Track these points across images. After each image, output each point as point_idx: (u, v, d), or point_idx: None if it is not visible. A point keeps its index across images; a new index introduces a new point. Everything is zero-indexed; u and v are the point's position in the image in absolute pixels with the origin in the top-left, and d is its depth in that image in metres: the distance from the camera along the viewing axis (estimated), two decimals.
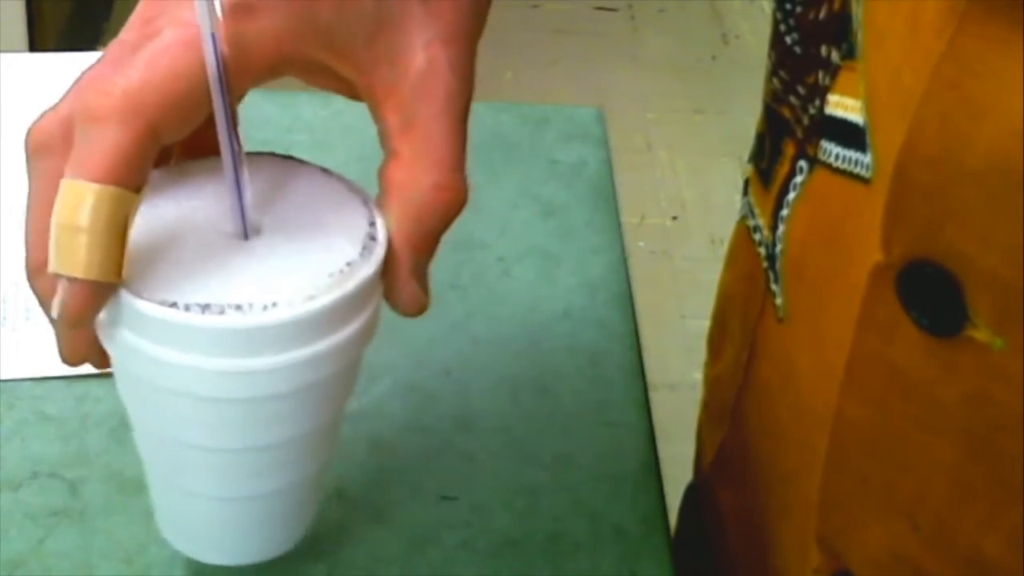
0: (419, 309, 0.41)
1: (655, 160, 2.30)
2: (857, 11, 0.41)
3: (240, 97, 0.42)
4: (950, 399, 0.39)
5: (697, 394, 0.62)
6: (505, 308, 0.60)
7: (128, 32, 0.39)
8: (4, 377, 0.55)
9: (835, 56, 0.43)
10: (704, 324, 0.60)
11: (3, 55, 0.72)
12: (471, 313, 0.60)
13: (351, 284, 0.39)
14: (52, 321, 0.39)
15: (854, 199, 0.42)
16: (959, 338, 0.38)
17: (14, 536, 0.49)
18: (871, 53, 0.40)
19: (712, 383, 0.59)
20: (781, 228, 0.47)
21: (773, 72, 0.49)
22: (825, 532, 0.45)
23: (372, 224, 0.40)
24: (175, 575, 0.48)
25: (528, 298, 0.61)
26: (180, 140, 0.39)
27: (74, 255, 0.36)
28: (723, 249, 0.57)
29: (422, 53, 0.40)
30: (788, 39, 0.47)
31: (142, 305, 0.37)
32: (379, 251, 0.40)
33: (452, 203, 0.40)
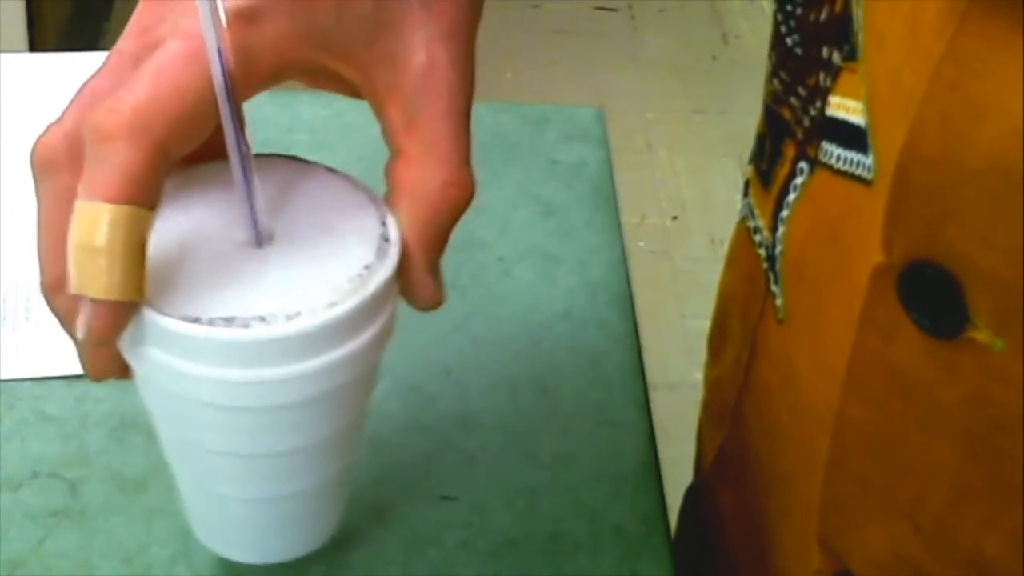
0: (436, 304, 0.41)
1: (655, 160, 2.30)
2: (857, 12, 0.41)
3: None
4: (951, 400, 0.39)
5: (697, 394, 0.62)
6: (505, 308, 0.60)
7: (126, 41, 0.39)
8: (4, 377, 0.55)
9: (836, 57, 0.43)
10: (704, 324, 0.60)
11: (3, 55, 0.72)
12: (471, 313, 0.60)
13: (371, 288, 0.39)
14: (76, 340, 0.39)
15: (855, 200, 0.42)
16: (960, 339, 0.38)
17: (14, 536, 0.49)
18: (871, 54, 0.40)
19: (712, 384, 0.59)
20: (781, 229, 0.47)
21: (774, 73, 0.49)
22: (826, 533, 0.45)
23: (383, 224, 0.40)
24: (175, 575, 0.48)
25: (528, 298, 0.61)
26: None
27: (95, 276, 0.36)
28: (723, 249, 0.57)
29: (423, 51, 0.40)
30: (789, 40, 0.47)
31: (166, 322, 0.37)
32: (393, 252, 0.40)
33: (461, 199, 0.40)
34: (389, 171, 0.41)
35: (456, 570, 0.49)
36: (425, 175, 0.40)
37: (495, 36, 2.44)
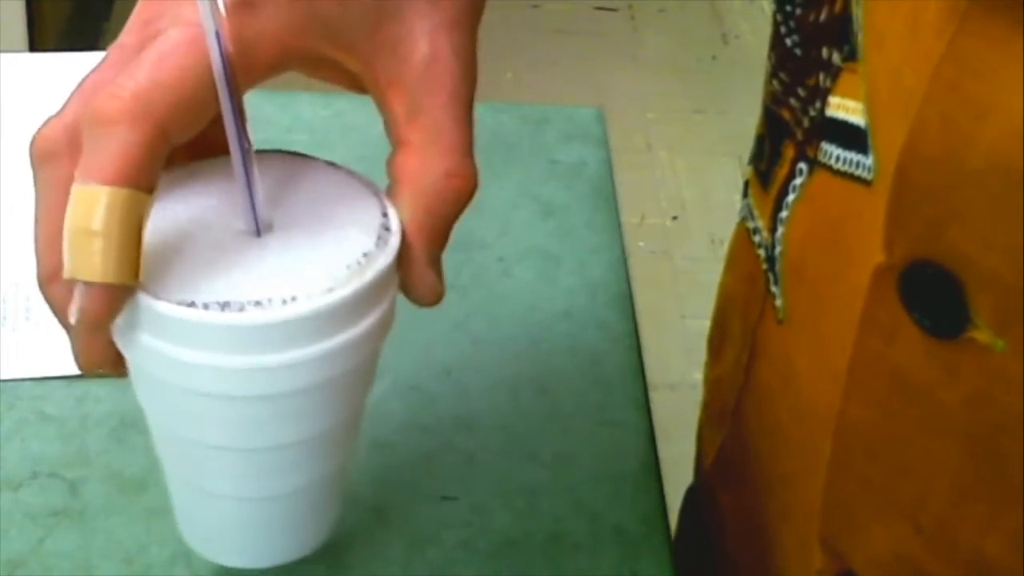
0: (436, 298, 0.41)
1: (655, 160, 2.30)
2: (857, 12, 0.41)
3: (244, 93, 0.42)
4: (951, 401, 0.39)
5: (697, 394, 0.62)
6: (505, 308, 0.60)
7: (127, 35, 0.39)
8: (4, 377, 0.55)
9: (836, 58, 0.43)
10: (704, 324, 0.60)
11: (3, 55, 0.72)
12: (471, 313, 0.60)
13: (369, 275, 0.38)
14: (68, 328, 0.39)
15: (855, 201, 0.41)
16: (961, 339, 0.38)
17: (14, 536, 0.49)
18: (871, 54, 0.40)
19: (712, 385, 0.59)
20: (780, 230, 0.47)
21: (773, 74, 0.49)
22: (828, 533, 0.45)
23: (385, 215, 0.40)
24: (175, 575, 0.48)
25: (528, 298, 0.61)
26: (188, 140, 0.39)
27: (90, 259, 0.36)
28: (723, 249, 0.57)
29: (425, 42, 0.40)
30: (788, 41, 0.47)
31: (160, 306, 0.37)
32: (394, 241, 0.40)
33: (464, 189, 0.40)
34: (391, 162, 0.40)
35: (456, 570, 0.49)
36: (427, 165, 0.40)
37: (495, 36, 2.44)
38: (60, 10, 2.16)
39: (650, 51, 2.59)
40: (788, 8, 0.47)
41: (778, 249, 0.48)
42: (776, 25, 0.48)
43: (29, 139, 0.39)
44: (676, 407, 1.13)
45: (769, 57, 0.49)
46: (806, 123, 0.45)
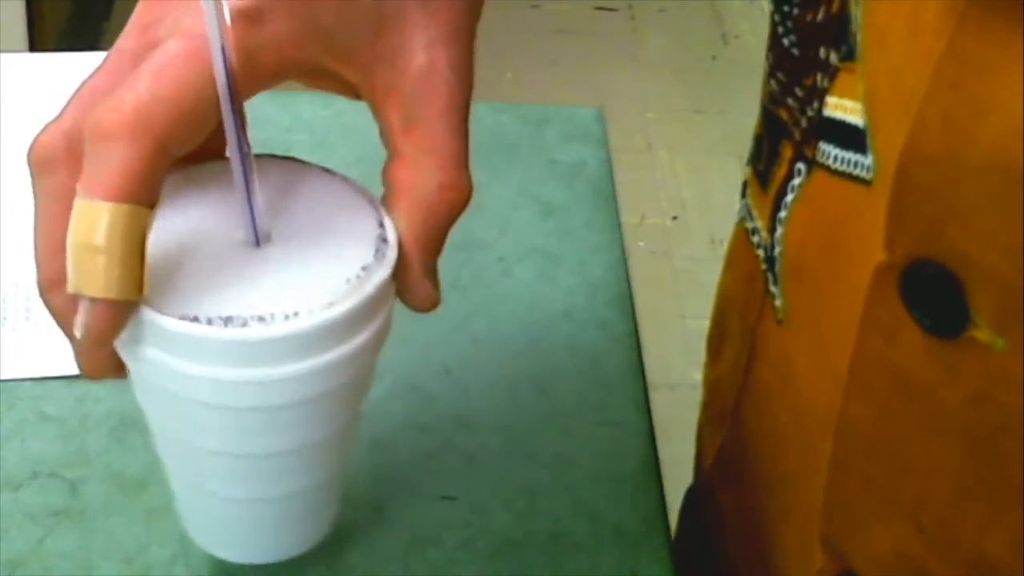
0: (432, 305, 0.41)
1: (655, 160, 2.30)
2: (856, 12, 0.41)
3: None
4: (952, 400, 0.39)
5: (697, 394, 0.62)
6: (505, 308, 0.60)
7: (126, 40, 0.39)
8: (4, 377, 0.55)
9: (833, 58, 0.43)
10: (704, 324, 0.60)
11: (3, 55, 0.72)
12: (471, 313, 0.60)
13: (368, 288, 0.39)
14: (71, 338, 0.39)
15: (853, 201, 0.42)
16: (961, 339, 0.38)
17: (14, 536, 0.49)
18: (871, 54, 0.40)
19: (711, 385, 0.59)
20: (779, 230, 0.47)
21: (771, 74, 0.49)
22: (829, 533, 0.45)
23: (381, 225, 0.40)
24: (175, 575, 0.48)
25: (528, 298, 0.61)
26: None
27: (94, 275, 0.36)
28: (723, 249, 0.57)
29: (423, 54, 0.40)
30: (786, 41, 0.47)
31: (164, 321, 0.37)
32: (391, 253, 0.40)
33: (458, 201, 0.40)
34: (386, 172, 0.41)
35: (456, 570, 0.49)
36: (422, 177, 0.40)
37: (495, 36, 2.43)
38: (60, 10, 2.16)
39: (650, 51, 2.59)
40: (786, 8, 0.47)
41: (777, 249, 0.48)
42: (774, 25, 0.48)
43: (28, 143, 0.39)
44: (676, 407, 1.12)
45: (767, 57, 0.49)
46: (804, 123, 0.45)
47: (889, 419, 0.41)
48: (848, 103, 0.42)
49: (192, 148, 0.38)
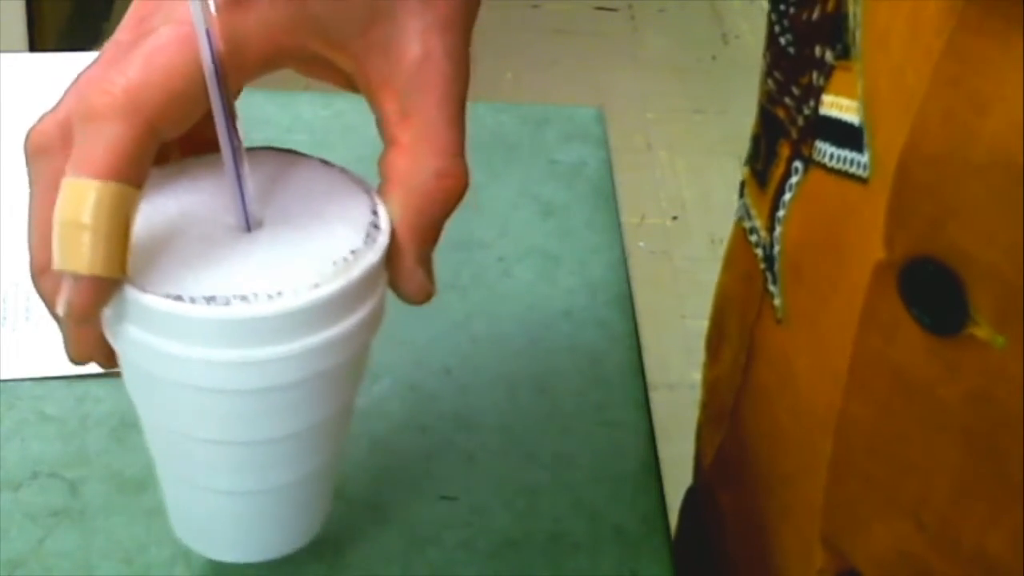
0: (425, 297, 0.41)
1: (655, 160, 2.30)
2: (856, 10, 0.41)
3: (238, 91, 0.42)
4: (952, 398, 0.39)
5: (697, 394, 0.62)
6: (505, 308, 0.60)
7: (123, 32, 0.39)
8: (4, 377, 0.55)
9: (829, 56, 0.43)
10: (704, 324, 0.60)
11: (3, 55, 0.72)
12: (471, 313, 0.60)
13: (356, 272, 0.39)
14: (58, 320, 0.39)
15: (850, 199, 0.42)
16: (960, 336, 0.38)
17: (14, 536, 0.49)
18: (872, 53, 0.40)
19: (710, 385, 0.59)
20: (778, 229, 0.47)
21: (768, 73, 0.49)
22: (830, 531, 0.45)
23: (375, 213, 0.40)
24: (175, 575, 0.48)
25: (528, 298, 0.61)
26: (181, 137, 0.40)
27: (78, 252, 0.36)
28: (723, 249, 0.57)
29: (418, 42, 0.40)
30: (782, 40, 0.47)
31: (147, 299, 0.37)
32: (383, 239, 0.40)
33: (454, 189, 0.40)
34: (382, 162, 0.41)
35: (456, 570, 0.49)
36: (418, 165, 0.40)
37: (495, 36, 2.43)
38: (60, 10, 2.16)
39: (650, 51, 2.59)
40: (782, 7, 0.47)
41: (776, 248, 0.48)
42: (771, 24, 0.48)
43: (23, 138, 0.39)
44: (676, 407, 1.13)
45: (764, 56, 0.49)
46: (800, 122, 0.45)
47: (889, 417, 0.41)
48: (844, 101, 0.42)
49: (181, 131, 0.38)
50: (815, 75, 0.44)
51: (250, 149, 0.40)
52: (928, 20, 0.36)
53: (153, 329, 0.38)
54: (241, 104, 0.39)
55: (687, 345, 1.87)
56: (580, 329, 0.60)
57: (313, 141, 0.69)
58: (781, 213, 0.47)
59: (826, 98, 0.43)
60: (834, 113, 0.43)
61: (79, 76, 0.39)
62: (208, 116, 0.38)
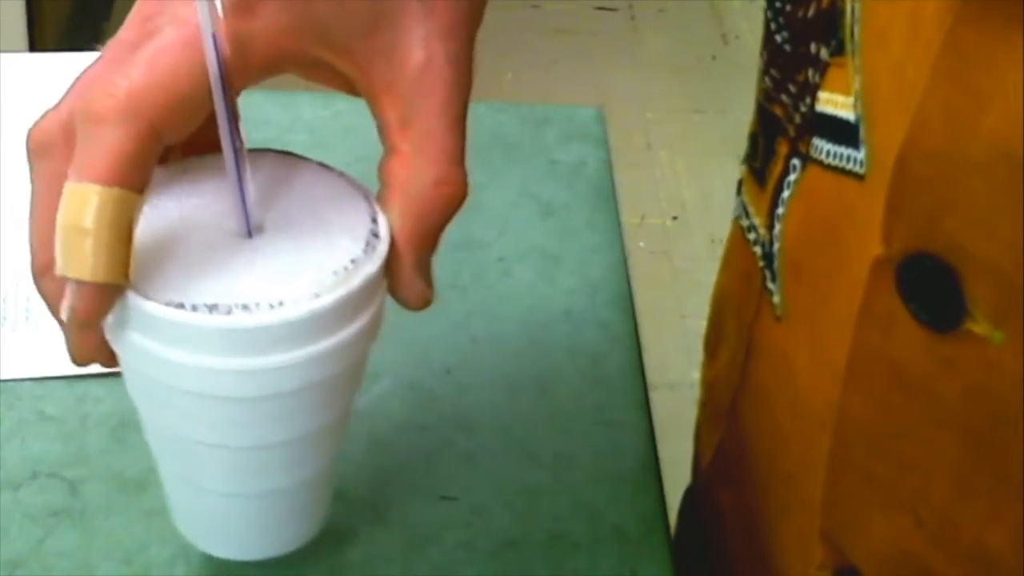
0: (424, 303, 0.41)
1: (655, 160, 2.30)
2: (854, 6, 0.41)
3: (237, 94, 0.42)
4: (950, 394, 0.39)
5: (697, 394, 0.62)
6: (505, 308, 0.60)
7: (127, 31, 0.39)
8: (4, 377, 0.55)
9: (824, 53, 0.43)
10: (704, 324, 0.60)
11: (3, 55, 0.72)
12: (471, 313, 0.60)
13: (356, 281, 0.39)
14: (61, 323, 0.39)
15: (847, 195, 0.42)
16: (958, 332, 0.38)
17: (14, 536, 0.49)
18: (871, 50, 0.40)
19: (709, 384, 0.59)
20: (778, 227, 0.47)
21: (765, 71, 0.49)
22: (829, 528, 0.45)
23: (374, 220, 0.40)
24: (175, 575, 0.48)
25: (528, 298, 0.61)
26: (180, 139, 0.40)
27: (81, 258, 0.36)
28: (723, 249, 0.57)
29: (420, 48, 0.40)
30: (778, 37, 0.47)
31: (149, 306, 0.37)
32: (382, 248, 0.40)
33: (453, 197, 0.40)
34: (382, 168, 0.41)
35: (456, 570, 0.49)
36: (417, 172, 0.40)
37: (495, 36, 2.43)
38: (60, 10, 2.16)
39: (650, 51, 2.59)
40: (777, 4, 0.47)
41: (776, 246, 0.48)
42: (767, 22, 0.48)
43: (25, 137, 0.39)
44: (676, 407, 1.12)
45: (761, 54, 0.49)
46: (797, 119, 0.45)
47: (887, 413, 0.41)
48: (839, 98, 0.42)
49: (184, 135, 0.38)
50: (811, 72, 0.44)
51: (252, 151, 0.40)
52: (928, 16, 0.36)
53: (155, 336, 0.38)
54: (241, 104, 0.39)
55: (687, 345, 1.87)
56: (580, 329, 0.60)
57: (313, 141, 0.69)
58: (780, 211, 0.47)
59: (822, 95, 0.43)
60: (829, 110, 0.43)
61: (82, 75, 0.39)
62: (211, 118, 0.38)
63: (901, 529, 0.42)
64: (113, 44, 0.39)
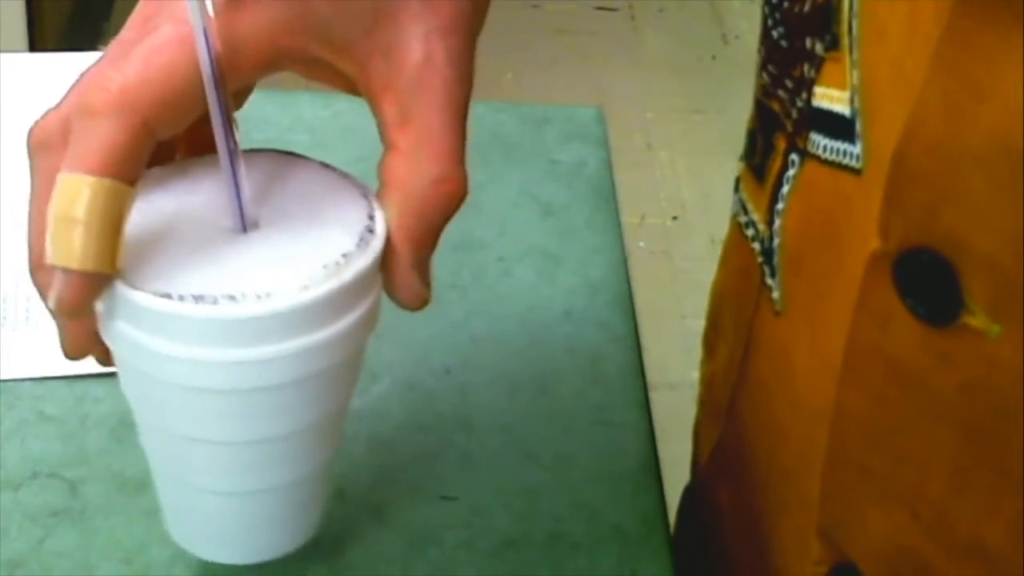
0: (420, 303, 0.41)
1: (655, 160, 2.30)
2: (852, 1, 0.41)
3: (245, 94, 0.42)
4: (947, 388, 0.39)
5: (697, 394, 0.62)
6: (505, 308, 0.60)
7: (128, 31, 0.39)
8: (4, 377, 0.55)
9: (819, 48, 0.43)
10: (704, 324, 0.60)
11: (3, 55, 0.72)
12: (471, 313, 0.60)
13: (346, 275, 0.39)
14: (52, 313, 0.39)
15: (844, 190, 0.42)
16: (955, 326, 0.38)
17: (14, 536, 0.49)
18: (870, 45, 0.40)
19: (707, 381, 0.59)
20: (777, 222, 0.47)
21: (763, 67, 0.49)
22: (826, 523, 0.45)
23: (371, 217, 0.40)
24: (175, 575, 0.48)
25: (528, 298, 0.61)
26: (183, 136, 0.40)
27: (70, 247, 0.36)
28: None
29: (420, 46, 0.40)
30: (775, 33, 0.47)
31: (136, 296, 0.38)
32: (376, 243, 0.40)
33: (452, 196, 0.40)
34: (381, 166, 0.41)
35: (456, 570, 0.49)
36: (416, 170, 0.40)
37: (495, 36, 2.43)
38: (60, 10, 2.16)
39: (650, 51, 2.59)
40: (774, 0, 0.47)
41: (776, 241, 0.48)
42: (764, 18, 0.48)
43: (26, 133, 0.39)
44: (676, 407, 1.12)
45: (759, 51, 0.49)
46: (795, 114, 0.46)
47: (884, 408, 0.41)
48: (834, 93, 0.42)
49: (178, 131, 0.38)
50: (806, 67, 0.44)
51: (251, 150, 0.40)
52: (927, 10, 0.36)
53: (143, 326, 0.38)
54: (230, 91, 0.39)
55: (687, 345, 1.87)
56: (580, 329, 0.60)
57: (313, 141, 0.69)
58: (780, 206, 0.47)
59: (817, 90, 0.43)
60: (825, 104, 0.43)
61: (83, 73, 0.39)
62: (207, 117, 0.38)
63: (898, 524, 0.42)
64: (114, 44, 0.39)
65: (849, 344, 0.41)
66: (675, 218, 2.18)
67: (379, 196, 0.41)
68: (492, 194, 0.67)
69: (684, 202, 2.22)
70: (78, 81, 0.39)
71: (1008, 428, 0.38)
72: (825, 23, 0.43)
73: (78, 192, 0.36)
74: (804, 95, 0.45)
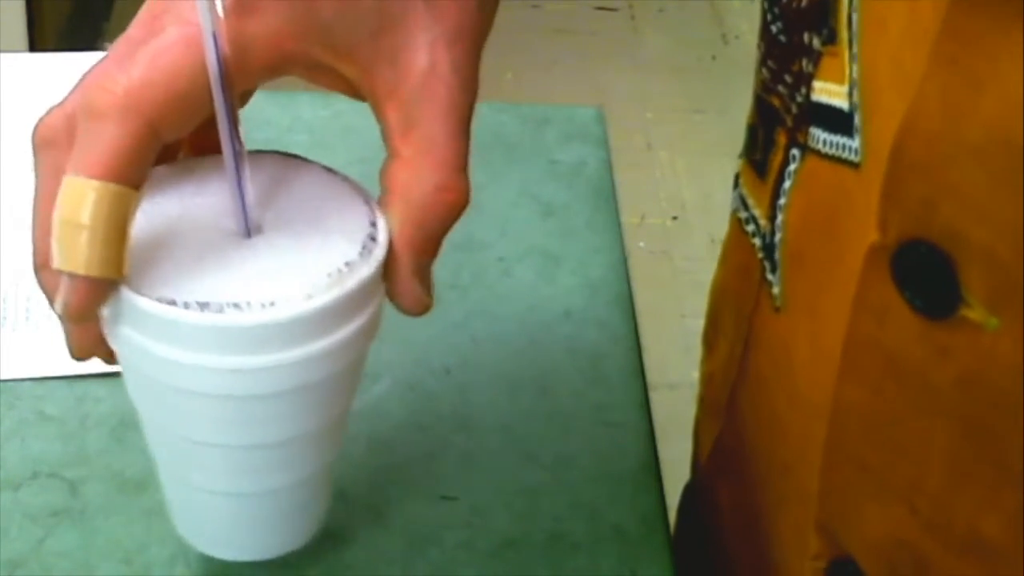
0: (422, 309, 0.41)
1: (655, 160, 2.30)
2: None
3: (247, 97, 0.42)
4: (944, 382, 0.39)
5: (697, 393, 0.62)
6: (505, 308, 0.60)
7: (135, 29, 0.39)
8: (4, 377, 0.55)
9: (816, 43, 0.43)
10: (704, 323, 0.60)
11: (3, 55, 0.72)
12: (471, 313, 0.60)
13: (349, 284, 0.39)
14: (59, 316, 0.39)
15: (844, 184, 0.42)
16: (953, 319, 0.38)
17: (14, 536, 0.49)
18: (870, 39, 0.40)
19: (707, 378, 0.59)
20: (779, 218, 0.47)
21: (762, 62, 0.49)
22: (825, 518, 0.45)
23: (373, 224, 0.40)
24: (175, 575, 0.48)
25: (528, 298, 0.61)
26: (188, 137, 0.40)
27: (75, 252, 0.36)
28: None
29: (425, 53, 0.40)
30: (774, 28, 0.47)
31: (142, 302, 0.38)
32: (379, 251, 0.40)
33: (454, 204, 0.40)
34: (384, 172, 0.41)
35: (456, 570, 0.49)
36: (419, 178, 0.40)
37: (495, 36, 2.43)
38: (60, 10, 2.16)
39: (650, 51, 2.59)
40: None
41: (777, 236, 0.48)
42: (763, 13, 0.48)
43: (28, 142, 0.39)
44: (676, 407, 1.12)
45: (759, 46, 0.49)
46: (794, 109, 0.46)
47: (882, 401, 0.41)
48: (832, 87, 0.42)
49: (183, 134, 0.38)
50: (805, 62, 0.44)
51: (254, 152, 0.40)
52: (926, 4, 0.36)
53: (147, 332, 0.38)
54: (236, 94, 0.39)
55: (687, 345, 1.87)
56: (580, 329, 0.60)
57: (313, 142, 0.69)
58: (782, 201, 0.47)
59: (816, 84, 0.43)
60: (824, 99, 0.43)
61: (88, 71, 0.39)
62: (215, 119, 0.38)
63: (896, 518, 0.42)
64: (121, 41, 0.39)
65: (848, 338, 0.41)
66: (675, 218, 2.18)
67: (381, 203, 0.41)
68: (492, 194, 0.67)
69: (684, 202, 2.22)
70: (83, 78, 0.39)
71: (1006, 421, 0.38)
72: (822, 17, 0.43)
73: (83, 196, 0.36)
74: (803, 90, 0.45)
